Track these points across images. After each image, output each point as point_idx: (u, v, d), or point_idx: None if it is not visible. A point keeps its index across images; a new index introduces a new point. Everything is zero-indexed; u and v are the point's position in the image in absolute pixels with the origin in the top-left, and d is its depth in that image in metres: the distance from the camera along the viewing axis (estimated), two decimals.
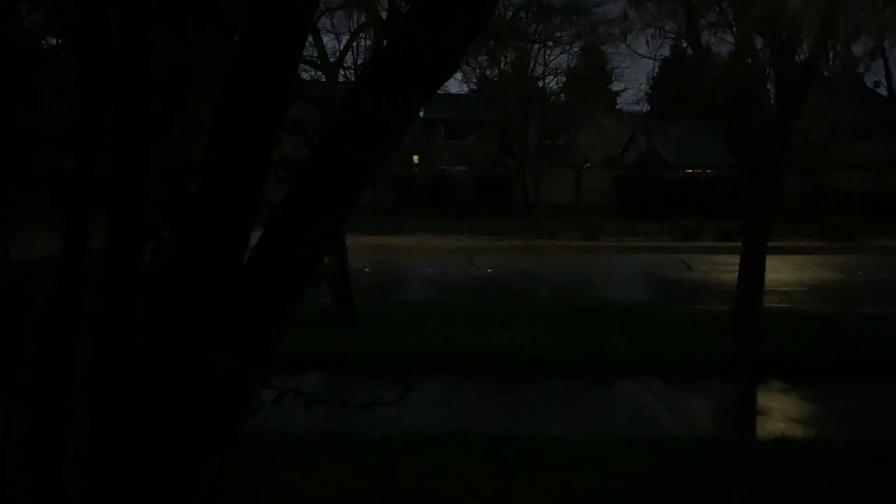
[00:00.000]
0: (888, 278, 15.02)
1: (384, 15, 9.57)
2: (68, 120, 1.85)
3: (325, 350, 7.27)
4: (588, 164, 34.70)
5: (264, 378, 2.23)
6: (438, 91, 2.26)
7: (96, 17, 1.78)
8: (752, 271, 8.71)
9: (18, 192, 1.92)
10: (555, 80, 32.29)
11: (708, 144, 29.83)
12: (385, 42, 2.10)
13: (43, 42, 1.93)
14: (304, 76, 10.43)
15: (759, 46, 8.92)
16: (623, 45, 22.60)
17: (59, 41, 1.92)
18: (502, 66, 28.90)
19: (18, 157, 1.86)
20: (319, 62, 9.77)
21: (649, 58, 26.49)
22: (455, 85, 29.01)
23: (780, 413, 6.12)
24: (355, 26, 11.80)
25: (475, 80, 30.56)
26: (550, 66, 31.16)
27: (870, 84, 25.35)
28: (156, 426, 1.85)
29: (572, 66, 31.89)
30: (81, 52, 1.82)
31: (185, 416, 1.88)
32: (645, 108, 35.34)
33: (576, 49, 30.34)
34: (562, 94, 32.71)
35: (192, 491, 1.92)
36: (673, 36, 10.61)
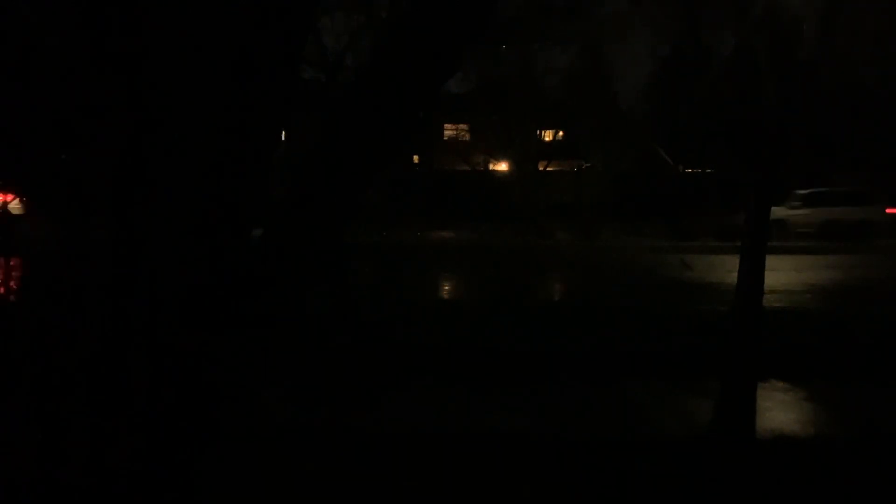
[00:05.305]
0: (887, 278, 15.02)
1: (384, 15, 9.58)
2: (67, 118, 1.85)
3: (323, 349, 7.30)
4: (588, 164, 34.68)
5: (265, 377, 2.24)
6: (439, 91, 2.26)
7: (93, 17, 1.78)
8: (752, 271, 8.70)
9: (18, 190, 1.92)
10: (555, 79, 32.28)
11: (708, 144, 29.86)
12: (385, 42, 2.11)
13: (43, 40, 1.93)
14: (304, 76, 10.44)
15: (759, 45, 8.93)
16: (623, 44, 22.61)
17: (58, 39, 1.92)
18: (502, 65, 28.88)
19: (18, 155, 1.86)
20: (319, 62, 9.79)
21: (649, 57, 26.42)
22: (455, 85, 29.00)
23: (778, 412, 6.12)
24: (355, 26, 11.79)
25: (475, 80, 30.53)
26: (550, 65, 31.14)
27: (870, 83, 25.28)
28: (155, 424, 1.85)
29: (572, 65, 31.86)
30: (79, 50, 1.82)
31: (186, 415, 1.88)
32: (645, 108, 35.31)
33: (576, 48, 30.32)
34: (562, 94, 32.70)
35: (190, 490, 1.92)
36: (673, 35, 10.64)
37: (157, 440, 1.85)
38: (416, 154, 36.20)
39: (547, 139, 34.01)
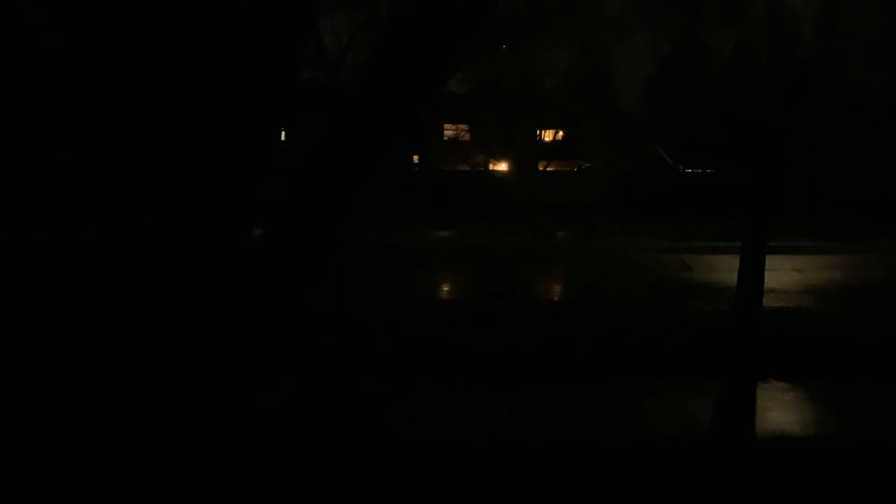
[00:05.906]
0: (887, 278, 15.01)
1: (384, 15, 9.59)
2: (66, 119, 1.85)
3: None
4: (588, 164, 34.69)
5: (265, 377, 2.24)
6: (438, 91, 2.26)
7: (92, 17, 1.78)
8: (752, 271, 8.72)
9: (17, 190, 1.92)
10: (555, 79, 32.28)
11: (708, 144, 29.88)
12: (385, 42, 2.11)
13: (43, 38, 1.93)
14: (304, 76, 10.43)
15: (759, 45, 8.93)
16: (623, 44, 22.59)
17: (58, 38, 1.92)
18: (502, 65, 28.88)
19: (17, 155, 1.86)
20: (319, 62, 9.78)
21: (649, 57, 26.35)
22: (455, 85, 28.98)
23: (778, 412, 6.12)
24: (355, 26, 11.78)
25: (475, 80, 30.53)
26: (550, 65, 31.12)
27: (870, 83, 25.28)
28: (157, 428, 1.85)
29: (572, 65, 31.86)
30: (79, 49, 1.82)
31: (187, 417, 1.88)
32: (645, 108, 35.29)
33: (576, 48, 30.28)
34: (562, 94, 32.71)
35: (195, 492, 1.92)
36: (673, 35, 10.62)
37: (160, 444, 1.85)
38: (416, 154, 36.20)
39: (547, 139, 34.03)
